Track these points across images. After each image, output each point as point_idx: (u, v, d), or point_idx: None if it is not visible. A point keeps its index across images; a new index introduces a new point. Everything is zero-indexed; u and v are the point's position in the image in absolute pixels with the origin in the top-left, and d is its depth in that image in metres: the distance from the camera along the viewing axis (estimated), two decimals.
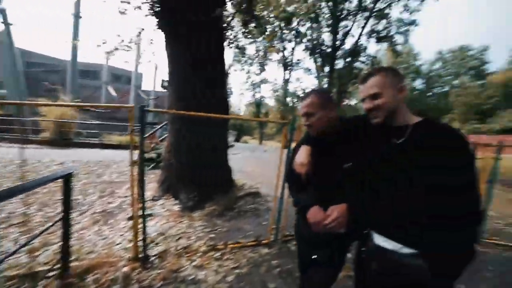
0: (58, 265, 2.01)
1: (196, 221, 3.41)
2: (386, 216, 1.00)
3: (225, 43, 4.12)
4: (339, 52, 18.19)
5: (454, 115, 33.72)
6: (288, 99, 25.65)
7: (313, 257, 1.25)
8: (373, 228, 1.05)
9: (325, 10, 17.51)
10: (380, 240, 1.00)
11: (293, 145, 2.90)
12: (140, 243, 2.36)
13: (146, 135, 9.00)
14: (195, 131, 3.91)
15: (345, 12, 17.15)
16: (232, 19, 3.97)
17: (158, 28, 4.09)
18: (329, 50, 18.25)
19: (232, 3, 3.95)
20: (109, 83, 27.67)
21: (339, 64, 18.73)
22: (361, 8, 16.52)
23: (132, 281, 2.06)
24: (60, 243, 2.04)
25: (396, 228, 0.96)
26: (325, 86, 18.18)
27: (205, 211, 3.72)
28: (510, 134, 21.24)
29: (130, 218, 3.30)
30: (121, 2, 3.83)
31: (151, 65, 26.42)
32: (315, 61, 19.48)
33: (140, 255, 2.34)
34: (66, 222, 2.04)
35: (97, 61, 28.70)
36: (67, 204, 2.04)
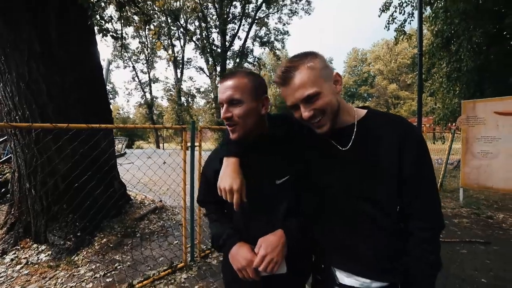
0: None
1: (81, 267, 2.50)
2: (345, 245, 0.80)
3: (95, 29, 3.20)
4: (229, 53, 18.99)
5: None
6: (183, 98, 24.39)
7: None
8: (330, 262, 0.84)
9: (212, 11, 17.76)
10: (343, 277, 0.80)
11: (198, 147, 2.64)
12: None
13: None
14: (65, 145, 2.86)
15: (231, 15, 17.98)
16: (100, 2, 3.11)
17: None
18: (219, 50, 18.66)
19: None
20: None
21: (230, 64, 19.56)
22: (244, 14, 17.85)
23: None
24: None
25: (359, 259, 0.78)
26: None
27: (95, 247, 2.82)
28: None
29: None
30: None
31: None
32: (207, 61, 19.47)
33: None
34: None
35: None
36: None
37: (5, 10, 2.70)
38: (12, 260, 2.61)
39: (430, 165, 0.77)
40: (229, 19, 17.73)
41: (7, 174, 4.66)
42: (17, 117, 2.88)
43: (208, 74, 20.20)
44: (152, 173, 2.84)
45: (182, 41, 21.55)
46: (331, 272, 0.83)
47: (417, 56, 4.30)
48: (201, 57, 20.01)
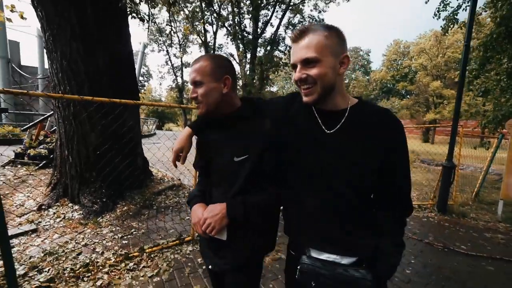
0: None
1: (104, 228, 2.85)
2: (318, 223, 0.86)
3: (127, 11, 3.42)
4: (260, 40, 18.72)
5: None
6: None
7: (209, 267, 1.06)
8: (302, 239, 0.91)
9: None
10: (314, 253, 0.86)
11: None
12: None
13: (28, 126, 6.92)
14: (95, 120, 3.19)
15: (264, 1, 17.57)
16: None
17: None
18: (250, 37, 18.49)
19: None
20: None
21: (261, 51, 19.35)
22: (278, 0, 17.31)
23: None
24: None
25: (331, 236, 0.84)
26: (248, 72, 18.50)
27: (117, 213, 3.17)
28: None
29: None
30: None
31: (33, 30, 20.30)
32: (237, 47, 19.44)
33: None
34: None
35: None
36: None
37: None
38: (54, 213, 3.07)
39: (407, 155, 0.83)
40: (262, 4, 17.36)
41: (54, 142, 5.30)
42: (59, 91, 3.26)
43: (238, 60, 20.21)
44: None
45: (214, 26, 21.68)
46: (303, 249, 0.89)
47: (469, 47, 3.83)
48: (232, 44, 20.03)
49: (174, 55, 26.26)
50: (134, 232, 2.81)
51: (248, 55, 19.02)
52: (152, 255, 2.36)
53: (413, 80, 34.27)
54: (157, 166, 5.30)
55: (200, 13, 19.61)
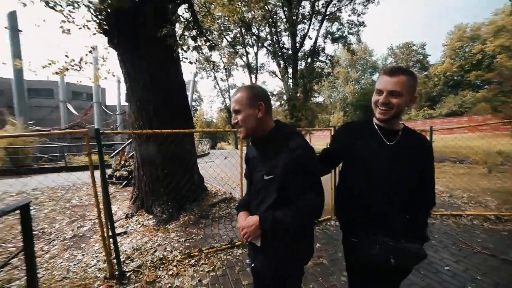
0: None
1: (171, 233, 3.50)
2: (378, 216, 1.13)
3: (180, 58, 4.27)
4: (300, 54, 19.08)
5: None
6: None
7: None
8: (366, 228, 1.16)
9: (281, 15, 18.33)
10: (381, 237, 1.10)
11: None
12: (115, 261, 2.43)
13: (114, 153, 8.70)
14: (160, 146, 4.01)
15: (300, 16, 18.09)
16: (182, 36, 4.13)
17: (109, 46, 4.12)
18: (290, 52, 19.06)
19: (180, 22, 4.14)
20: (67, 101, 25.83)
21: (302, 64, 19.66)
22: (314, 12, 17.58)
23: None
24: (25, 277, 2.03)
25: (391, 222, 1.12)
26: (291, 87, 18.90)
27: (180, 221, 3.83)
28: (455, 117, 24.18)
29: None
30: (62, 21, 3.73)
31: (114, 78, 25.10)
32: (278, 64, 20.19)
33: (115, 273, 2.41)
34: (29, 254, 2.03)
35: (51, 78, 26.59)
36: (27, 235, 2.02)
37: (130, 50, 3.99)
38: (136, 221, 3.93)
39: (434, 166, 1.21)
40: (298, 19, 17.88)
41: (132, 165, 6.57)
42: (136, 126, 4.22)
43: (280, 77, 20.91)
44: (227, 170, 3.55)
45: (255, 48, 23.11)
46: (368, 235, 1.13)
47: None
48: (273, 61, 20.94)
49: (221, 79, 28.72)
50: (194, 237, 3.38)
51: (290, 70, 19.53)
52: (208, 255, 2.83)
53: (491, 66, 28.72)
54: (211, 182, 6.01)
55: (240, 38, 21.32)
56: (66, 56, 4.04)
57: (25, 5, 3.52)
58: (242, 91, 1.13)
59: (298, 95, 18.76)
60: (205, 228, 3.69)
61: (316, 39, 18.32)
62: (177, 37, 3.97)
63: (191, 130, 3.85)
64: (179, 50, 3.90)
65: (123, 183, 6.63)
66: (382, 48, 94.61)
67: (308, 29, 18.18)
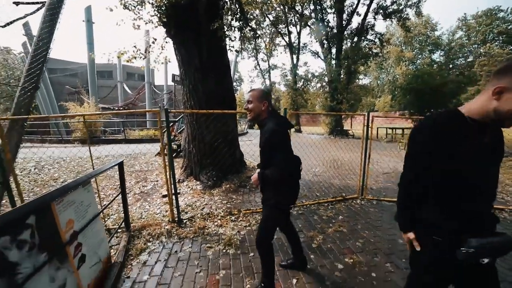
0: (123, 225, 2.86)
1: (215, 196, 4.20)
2: (476, 213, 1.06)
3: (227, 46, 4.74)
4: (346, 33, 17.89)
5: (480, 87, 31.24)
6: (300, 83, 25.55)
7: None
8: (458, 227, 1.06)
9: None
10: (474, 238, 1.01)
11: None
12: (175, 212, 3.17)
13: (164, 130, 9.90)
14: (209, 123, 4.65)
15: None
16: (229, 26, 4.55)
17: (167, 37, 4.77)
18: (335, 31, 18.01)
19: (228, 14, 4.54)
20: (123, 81, 28.97)
21: (347, 43, 18.51)
22: None
23: (173, 234, 2.88)
24: (122, 211, 2.87)
25: (486, 220, 1.07)
26: (333, 68, 18.11)
27: (222, 188, 4.51)
28: None
29: (164, 196, 4.16)
30: (134, 19, 4.47)
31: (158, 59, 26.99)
32: (321, 44, 19.32)
33: (175, 219, 3.16)
34: (124, 196, 2.86)
35: (111, 61, 29.94)
36: (123, 184, 2.84)
37: (184, 39, 4.60)
38: (186, 185, 4.74)
39: None
40: None
41: (181, 140, 7.52)
42: (187, 105, 4.91)
43: (322, 57, 20.10)
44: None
45: (298, 27, 22.33)
46: (459, 235, 1.03)
47: None
48: (316, 41, 20.12)
49: (262, 59, 28.71)
50: (234, 201, 4.02)
51: (334, 50, 18.61)
52: (246, 215, 3.43)
53: None
54: (249, 158, 6.62)
55: (283, 16, 20.76)
56: (135, 47, 4.82)
57: (112, 10, 4.31)
58: (257, 91, 1.79)
59: (341, 77, 17.95)
60: (243, 195, 4.31)
61: (366, 15, 16.89)
62: (225, 28, 4.42)
63: (234, 111, 4.38)
64: (227, 40, 4.35)
65: (173, 155, 7.67)
66: (451, 20, 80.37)
67: (357, 4, 16.81)
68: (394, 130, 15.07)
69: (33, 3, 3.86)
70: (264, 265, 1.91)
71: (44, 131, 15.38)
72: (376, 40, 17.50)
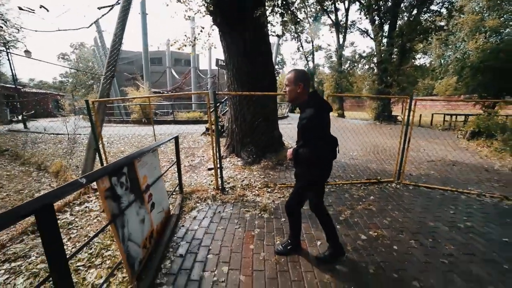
0: (177, 188, 3.49)
1: (254, 171, 4.64)
2: None
3: (269, 33, 4.93)
4: (403, 5, 15.90)
5: None
6: (346, 65, 24.03)
7: None
8: None
9: None
10: None
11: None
12: (219, 181, 3.70)
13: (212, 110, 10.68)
14: (250, 105, 5.01)
15: None
16: (271, 12, 4.70)
17: (213, 25, 5.15)
18: (389, 3, 16.17)
19: (269, 1, 4.68)
20: (171, 67, 31.12)
21: (403, 19, 16.55)
22: None
23: (217, 198, 3.42)
24: (176, 178, 3.49)
25: None
26: (384, 48, 16.53)
27: (261, 165, 4.92)
28: None
29: (209, 169, 4.77)
30: (185, 12, 4.96)
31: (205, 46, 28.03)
32: (372, 21, 17.63)
33: (219, 187, 3.69)
34: (178, 165, 3.46)
35: (159, 48, 32.35)
36: (177, 154, 3.44)
37: (229, 26, 4.92)
38: (229, 161, 5.29)
39: None
40: None
41: (224, 121, 8.13)
42: (231, 88, 5.33)
43: (372, 36, 18.42)
44: None
45: (346, 3, 20.65)
46: None
47: None
48: (366, 18, 18.41)
49: (305, 40, 27.49)
50: (271, 176, 4.40)
51: (386, 27, 16.87)
52: (281, 188, 3.78)
53: None
54: (288, 140, 6.89)
55: None
56: (185, 35, 5.34)
57: (167, 5, 4.87)
58: (292, 73, 1.84)
59: (392, 57, 16.34)
60: (280, 172, 4.66)
61: None
62: (267, 14, 4.60)
63: (274, 93, 4.64)
64: (269, 25, 4.54)
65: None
66: None
67: None
68: (453, 116, 13.43)
69: (109, 6, 4.61)
70: (292, 228, 2.18)
71: (109, 113, 17.86)
72: (443, 10, 15.15)
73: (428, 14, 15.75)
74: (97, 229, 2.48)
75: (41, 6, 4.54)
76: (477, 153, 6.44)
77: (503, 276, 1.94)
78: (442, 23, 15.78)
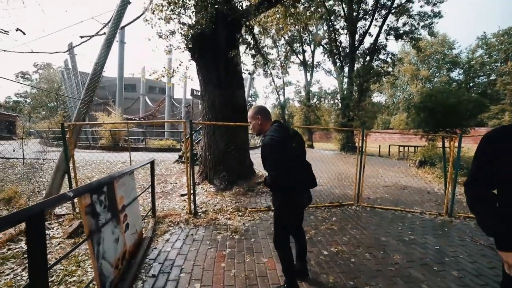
0: (150, 212, 3.51)
1: (226, 197, 4.79)
2: None
3: (242, 69, 5.53)
4: (358, 52, 18.54)
5: (504, 106, 30.29)
6: (313, 100, 26.28)
7: None
8: None
9: (341, 12, 18.09)
10: None
11: None
12: (192, 206, 3.79)
13: (183, 140, 10.75)
14: (223, 134, 5.33)
15: (361, 12, 17.55)
16: (244, 52, 5.37)
17: (191, 60, 5.63)
18: (347, 51, 18.72)
19: (243, 44, 5.37)
20: (145, 94, 31.00)
21: (359, 63, 19.10)
22: (378, 7, 16.78)
23: (190, 222, 3.49)
24: (149, 203, 3.53)
25: None
26: (345, 86, 18.68)
27: (233, 191, 5.10)
28: None
29: (182, 195, 4.81)
30: (166, 47, 5.40)
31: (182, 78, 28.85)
32: (334, 63, 20.04)
33: (192, 211, 3.77)
34: (152, 188, 3.53)
35: (134, 75, 32.39)
36: (152, 177, 3.53)
37: (206, 62, 5.41)
38: (201, 187, 5.38)
39: None
40: (359, 16, 17.39)
41: (198, 149, 8.28)
42: (206, 118, 5.65)
43: (335, 75, 20.76)
44: None
45: (312, 46, 23.33)
46: None
47: None
48: (329, 60, 20.89)
49: (277, 76, 29.75)
50: (242, 202, 4.58)
51: (346, 69, 19.24)
52: (251, 212, 3.97)
53: None
54: (259, 168, 7.20)
55: (298, 36, 21.83)
56: (164, 67, 5.71)
57: (149, 39, 5.29)
58: (250, 110, 2.02)
59: (352, 94, 18.41)
60: (251, 198, 4.87)
61: (378, 36, 17.51)
62: (240, 55, 5.23)
63: (245, 124, 5.02)
64: (242, 64, 5.13)
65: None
66: (470, 39, 79.71)
67: (370, 25, 17.50)
68: (405, 148, 15.15)
69: (90, 36, 4.86)
70: (282, 263, 1.99)
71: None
72: (388, 59, 17.95)
73: (378, 62, 18.49)
74: (60, 256, 2.42)
75: (17, 29, 4.60)
76: (423, 179, 7.36)
77: (434, 276, 2.33)
78: (390, 69, 18.57)
